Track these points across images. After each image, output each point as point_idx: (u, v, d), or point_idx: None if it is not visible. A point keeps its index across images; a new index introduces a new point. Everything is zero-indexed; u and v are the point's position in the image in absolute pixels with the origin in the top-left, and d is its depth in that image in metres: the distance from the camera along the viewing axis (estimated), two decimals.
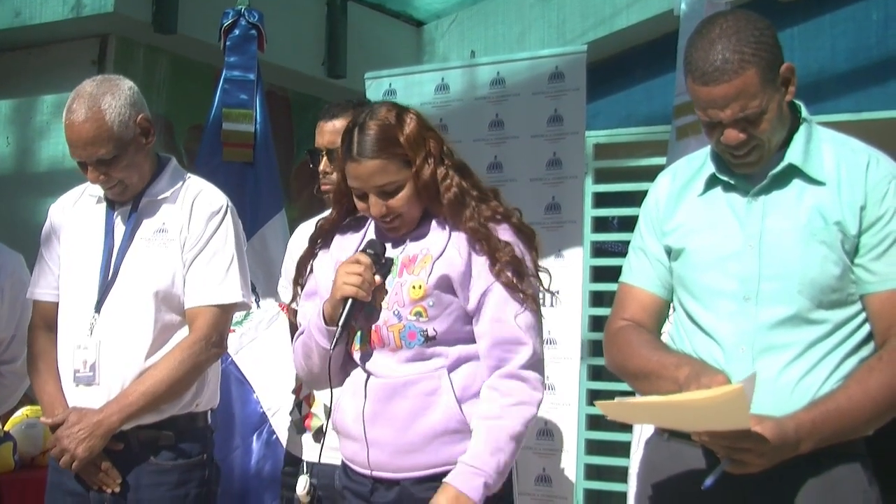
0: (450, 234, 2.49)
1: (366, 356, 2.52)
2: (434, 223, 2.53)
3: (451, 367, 2.46)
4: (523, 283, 2.46)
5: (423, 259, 2.48)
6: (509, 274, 2.44)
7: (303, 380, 2.81)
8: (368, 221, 2.62)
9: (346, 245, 2.60)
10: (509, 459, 2.39)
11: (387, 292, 2.49)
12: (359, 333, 2.53)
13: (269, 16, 4.74)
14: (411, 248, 2.52)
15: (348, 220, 2.66)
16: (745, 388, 1.97)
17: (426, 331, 2.45)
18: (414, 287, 2.45)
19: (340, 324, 2.45)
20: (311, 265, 2.68)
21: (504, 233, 2.48)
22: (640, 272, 2.49)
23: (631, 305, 2.49)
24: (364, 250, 2.52)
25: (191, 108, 5.62)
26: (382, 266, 2.50)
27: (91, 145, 2.80)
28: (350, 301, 2.44)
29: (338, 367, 2.57)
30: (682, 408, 2.11)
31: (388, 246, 2.54)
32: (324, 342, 2.51)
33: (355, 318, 2.49)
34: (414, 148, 2.46)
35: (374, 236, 2.58)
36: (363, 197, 2.49)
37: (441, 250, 2.47)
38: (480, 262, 2.46)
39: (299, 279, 2.70)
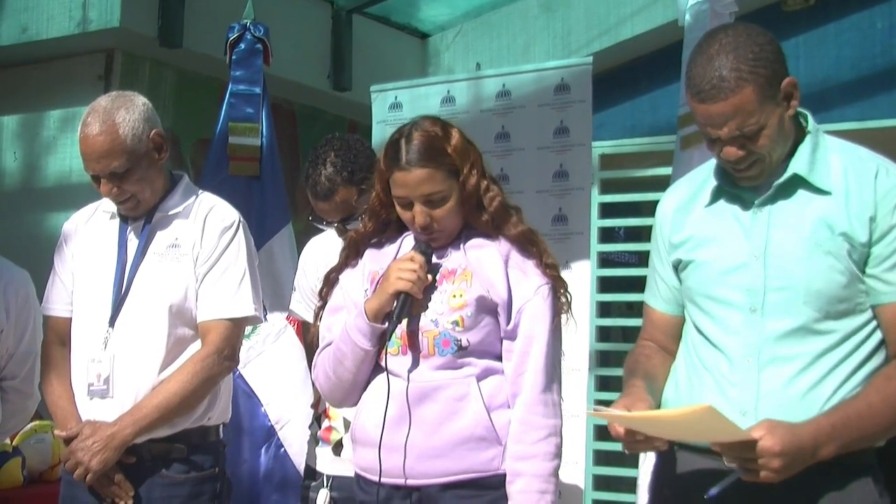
0: (489, 253, 2.53)
1: (396, 362, 2.52)
2: (471, 240, 2.57)
3: (480, 377, 2.49)
4: (563, 290, 2.53)
5: (462, 273, 2.52)
6: (556, 274, 2.53)
7: (326, 395, 2.76)
8: (404, 234, 2.64)
9: (380, 258, 2.62)
10: (554, 497, 2.44)
11: (429, 298, 2.52)
12: (393, 337, 2.53)
13: (274, 29, 4.75)
14: (450, 261, 2.56)
15: (378, 236, 2.69)
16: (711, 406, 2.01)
17: (460, 340, 2.47)
18: (455, 296, 2.49)
19: (395, 316, 2.46)
20: (338, 278, 2.69)
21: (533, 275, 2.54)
22: (651, 292, 2.54)
23: (648, 325, 2.55)
24: (414, 249, 2.55)
25: (197, 122, 5.64)
26: (431, 267, 2.54)
27: (105, 158, 2.82)
28: (403, 296, 2.47)
29: (369, 372, 2.57)
30: (668, 423, 2.16)
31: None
32: (364, 342, 2.51)
33: (405, 315, 2.50)
34: (461, 158, 2.50)
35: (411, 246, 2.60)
36: (408, 206, 2.51)
37: (481, 268, 2.51)
38: (519, 278, 2.50)
39: (324, 291, 2.72)
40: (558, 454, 2.47)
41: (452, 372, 2.48)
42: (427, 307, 2.51)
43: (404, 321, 2.51)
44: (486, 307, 2.48)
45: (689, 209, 2.41)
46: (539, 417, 2.46)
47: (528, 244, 2.54)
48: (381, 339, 2.52)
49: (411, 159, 2.47)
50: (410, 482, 2.48)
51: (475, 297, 2.48)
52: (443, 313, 2.49)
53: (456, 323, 2.47)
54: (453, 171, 2.50)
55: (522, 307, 2.49)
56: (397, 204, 2.54)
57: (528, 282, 2.50)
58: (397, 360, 2.52)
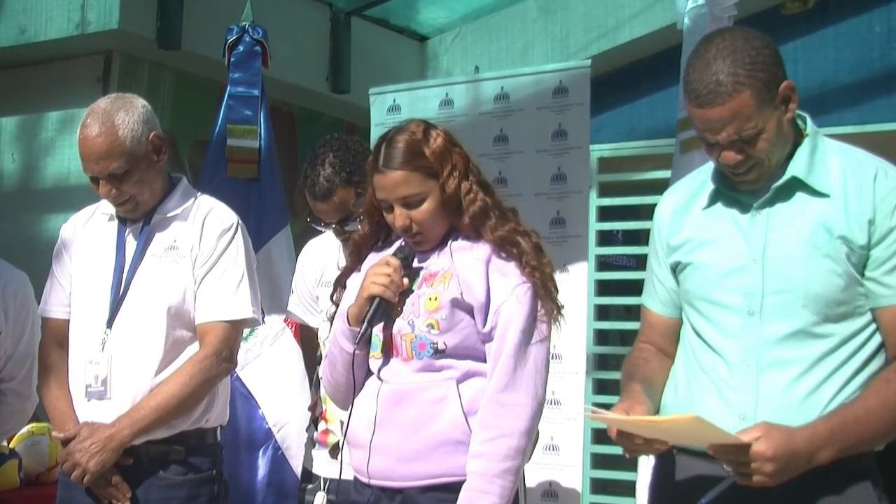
0: (472, 255, 2.52)
1: (381, 364, 2.54)
2: (457, 242, 2.56)
3: (460, 379, 2.48)
4: (548, 293, 2.50)
5: (443, 275, 2.52)
6: (538, 275, 2.49)
7: (332, 399, 2.78)
8: (401, 239, 2.64)
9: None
10: (501, 500, 2.38)
11: (405, 302, 2.52)
12: (376, 341, 2.54)
13: (272, 31, 4.75)
14: (434, 264, 2.56)
15: (377, 238, 2.70)
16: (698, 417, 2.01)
17: (436, 343, 2.47)
18: (430, 299, 2.49)
19: (366, 320, 2.47)
20: (346, 283, 2.71)
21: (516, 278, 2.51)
22: (649, 294, 2.54)
23: (646, 328, 2.54)
24: (394, 254, 2.56)
25: (195, 123, 5.64)
26: (410, 272, 2.54)
27: (104, 159, 2.83)
28: (377, 300, 2.47)
29: (362, 375, 2.58)
30: (657, 428, 2.15)
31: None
32: (347, 345, 2.54)
33: (380, 319, 2.51)
34: (440, 161, 2.51)
35: None
36: (389, 209, 2.53)
37: (462, 270, 2.50)
38: (498, 280, 2.48)
39: (335, 296, 2.74)
40: (511, 456, 2.39)
41: (431, 374, 2.48)
42: (402, 311, 2.52)
43: (381, 325, 2.52)
44: (461, 309, 2.47)
45: (686, 211, 2.40)
46: (492, 417, 2.42)
47: (508, 245, 2.52)
48: (367, 343, 2.54)
49: (388, 162, 2.49)
50: (377, 483, 2.49)
51: (449, 298, 2.47)
52: (419, 316, 2.49)
53: (431, 326, 2.47)
54: (432, 173, 2.51)
55: (499, 308, 2.46)
56: (382, 207, 2.56)
57: (506, 282, 2.48)
58: (379, 363, 2.55)
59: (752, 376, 2.21)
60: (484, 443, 2.41)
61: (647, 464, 3.43)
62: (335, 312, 2.72)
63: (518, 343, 2.45)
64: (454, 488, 2.43)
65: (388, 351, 2.53)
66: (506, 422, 2.41)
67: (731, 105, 2.12)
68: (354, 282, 2.68)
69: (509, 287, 2.48)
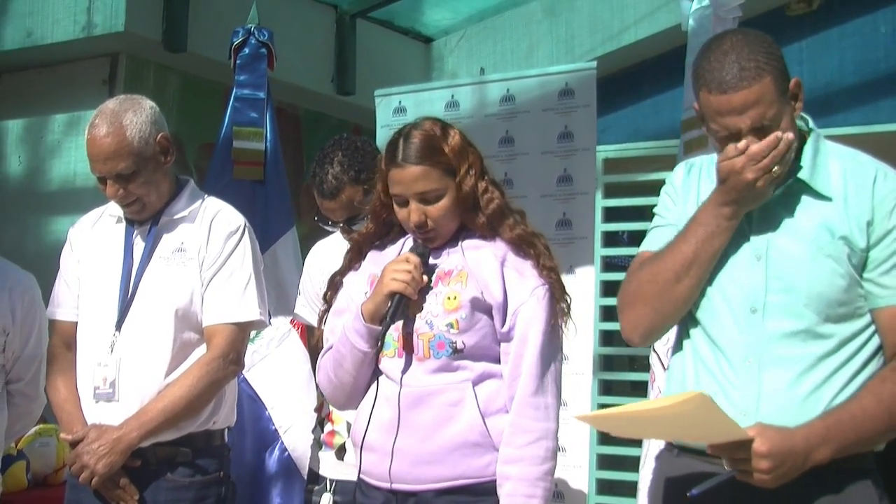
0: (486, 254, 2.52)
1: (392, 364, 2.53)
2: (468, 241, 2.57)
3: (476, 381, 2.48)
4: (563, 294, 2.51)
5: (458, 274, 2.52)
6: (554, 276, 2.50)
7: (329, 398, 2.77)
8: (405, 237, 2.65)
9: (381, 260, 2.62)
10: (543, 501, 2.42)
11: (424, 299, 2.51)
12: (389, 339, 2.53)
13: (278, 33, 4.76)
14: (446, 262, 2.56)
15: (381, 237, 2.69)
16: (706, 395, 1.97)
17: (455, 343, 2.47)
18: (449, 298, 2.48)
19: (388, 318, 2.46)
20: (342, 281, 2.70)
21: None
22: (653, 241, 2.43)
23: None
24: (411, 250, 2.55)
25: (201, 126, 5.65)
26: (427, 269, 2.54)
27: (111, 159, 2.84)
28: (397, 297, 2.47)
29: (368, 374, 2.57)
30: (658, 418, 2.11)
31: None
32: (361, 344, 2.51)
33: (399, 317, 2.50)
34: (458, 158, 2.52)
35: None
36: (404, 204, 2.53)
37: (477, 269, 2.50)
38: (515, 280, 2.49)
39: (328, 295, 2.72)
40: (549, 458, 2.45)
41: (447, 375, 2.47)
42: (422, 309, 2.51)
43: (399, 323, 2.51)
44: (480, 309, 2.47)
45: (687, 199, 2.39)
46: (529, 420, 2.44)
47: (525, 246, 2.53)
48: (379, 341, 2.53)
49: (407, 156, 2.49)
50: (396, 486, 2.48)
51: (469, 298, 2.47)
52: (437, 315, 2.49)
53: (451, 325, 2.47)
54: (449, 170, 2.51)
55: (518, 309, 2.47)
56: (395, 203, 2.56)
57: (525, 283, 2.49)
58: (393, 363, 2.52)
59: (754, 373, 2.21)
60: (522, 447, 2.42)
61: (647, 463, 3.44)
62: (327, 309, 2.71)
63: (542, 345, 2.46)
64: (469, 491, 2.45)
65: (403, 350, 2.52)
66: (541, 424, 2.45)
67: (756, 89, 2.13)
68: (352, 281, 2.67)
69: (528, 288, 2.49)
